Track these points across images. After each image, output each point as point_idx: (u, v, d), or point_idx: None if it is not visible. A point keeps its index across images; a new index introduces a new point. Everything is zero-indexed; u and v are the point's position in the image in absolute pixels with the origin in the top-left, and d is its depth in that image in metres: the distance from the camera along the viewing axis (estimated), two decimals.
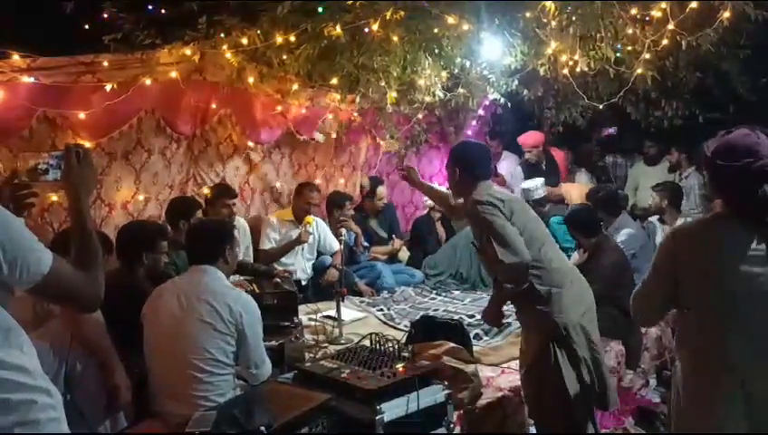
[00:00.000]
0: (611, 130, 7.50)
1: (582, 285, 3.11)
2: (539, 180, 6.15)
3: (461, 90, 5.30)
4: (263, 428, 2.32)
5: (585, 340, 2.94)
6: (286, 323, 3.86)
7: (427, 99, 5.15)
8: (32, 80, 3.81)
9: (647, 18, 4.38)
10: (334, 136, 5.95)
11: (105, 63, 4.08)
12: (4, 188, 1.87)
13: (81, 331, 2.71)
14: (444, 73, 4.98)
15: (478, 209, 2.88)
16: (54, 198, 4.15)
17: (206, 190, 5.11)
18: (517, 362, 3.87)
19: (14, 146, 3.94)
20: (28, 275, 1.54)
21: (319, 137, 5.58)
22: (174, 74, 4.42)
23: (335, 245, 5.43)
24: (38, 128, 4.03)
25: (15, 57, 3.72)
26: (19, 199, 1.86)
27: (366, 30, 4.16)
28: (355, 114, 5.81)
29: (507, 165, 7.22)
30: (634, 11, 4.32)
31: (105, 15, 4.17)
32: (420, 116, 5.85)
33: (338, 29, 4.06)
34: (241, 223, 5.11)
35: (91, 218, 1.85)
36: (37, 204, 4.01)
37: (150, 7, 4.33)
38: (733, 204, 2.09)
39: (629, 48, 4.62)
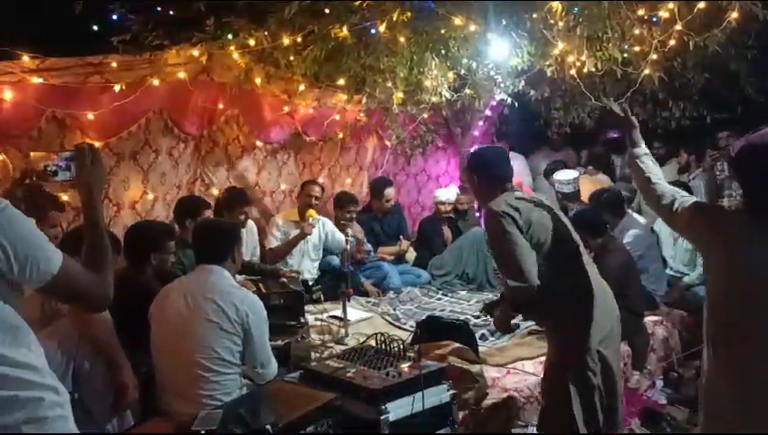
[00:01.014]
0: (618, 133, 7.47)
1: (606, 307, 2.87)
2: (573, 173, 6.06)
3: (468, 90, 5.30)
4: (268, 427, 2.33)
5: (601, 367, 2.75)
6: (292, 323, 3.88)
7: (434, 99, 5.15)
8: (41, 80, 3.85)
9: (654, 19, 4.37)
10: (340, 136, 5.96)
11: (114, 64, 4.12)
12: (16, 189, 1.90)
13: (90, 330, 2.73)
14: (450, 74, 4.98)
15: (492, 220, 2.69)
16: (64, 197, 4.18)
17: (215, 192, 5.13)
18: (522, 362, 3.88)
19: (23, 146, 3.97)
20: (38, 275, 1.55)
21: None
22: (182, 75, 4.45)
23: (343, 242, 5.45)
24: (47, 128, 4.07)
25: (25, 58, 3.75)
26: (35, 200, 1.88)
27: (373, 31, 4.17)
28: (361, 114, 5.83)
29: (515, 166, 7.20)
30: (641, 11, 4.31)
31: (114, 17, 4.19)
32: (426, 116, 5.86)
33: (345, 30, 4.08)
34: (249, 224, 5.13)
35: (103, 218, 1.88)
36: None
37: (159, 8, 4.35)
38: (752, 201, 2.13)
39: (637, 49, 4.61)
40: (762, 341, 2.04)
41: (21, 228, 1.54)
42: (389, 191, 6.01)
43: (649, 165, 2.56)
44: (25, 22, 4.18)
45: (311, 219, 5.13)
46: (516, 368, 3.81)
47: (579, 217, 4.63)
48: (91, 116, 4.15)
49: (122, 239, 3.60)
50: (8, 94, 3.75)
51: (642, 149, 2.62)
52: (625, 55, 4.67)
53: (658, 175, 2.53)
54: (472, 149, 4.03)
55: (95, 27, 4.32)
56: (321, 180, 6.09)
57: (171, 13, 4.46)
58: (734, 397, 2.10)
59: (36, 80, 3.83)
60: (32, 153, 3.94)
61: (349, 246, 5.05)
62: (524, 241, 2.61)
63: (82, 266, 1.69)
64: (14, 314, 1.54)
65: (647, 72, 4.57)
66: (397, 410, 2.65)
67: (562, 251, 2.74)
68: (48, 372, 1.59)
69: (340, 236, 5.47)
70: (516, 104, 5.94)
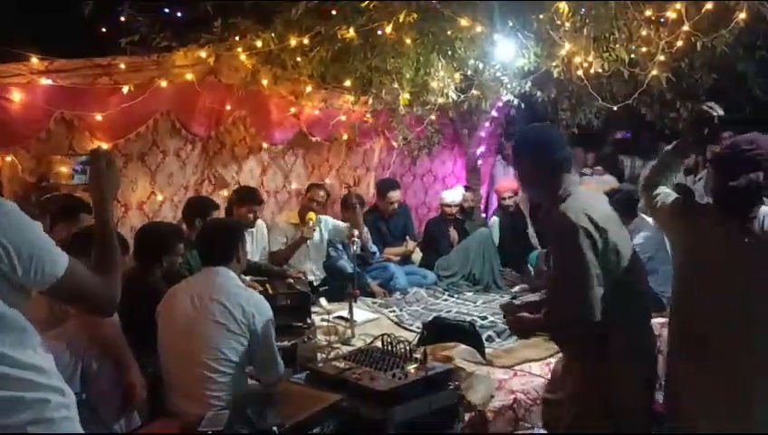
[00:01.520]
0: (626, 134, 7.47)
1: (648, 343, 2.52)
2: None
3: (474, 91, 5.29)
4: (275, 428, 2.34)
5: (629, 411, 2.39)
6: (299, 324, 3.89)
7: (440, 100, 5.15)
8: (49, 82, 3.87)
9: (661, 19, 4.36)
10: (345, 137, 5.97)
11: (122, 66, 4.14)
12: (32, 193, 1.91)
13: (98, 330, 2.74)
14: (457, 75, 4.98)
15: (566, 232, 2.21)
16: None
17: (225, 193, 5.15)
18: (530, 364, 3.87)
19: (31, 147, 4.00)
20: (43, 277, 1.55)
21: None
22: (189, 76, 4.47)
23: (344, 230, 5.49)
24: (56, 129, 4.09)
25: (34, 59, 3.78)
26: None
27: (379, 32, 4.17)
28: (368, 116, 5.84)
29: None
30: (648, 12, 4.30)
31: (122, 18, 4.22)
32: (433, 117, 5.86)
33: (351, 31, 4.08)
34: (259, 224, 5.15)
35: (113, 222, 1.87)
36: None
37: (166, 10, 4.37)
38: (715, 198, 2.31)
39: (644, 49, 4.59)
40: (720, 340, 2.10)
41: (26, 231, 1.54)
42: (393, 194, 5.99)
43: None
44: (34, 24, 4.21)
45: (311, 223, 5.13)
46: (523, 370, 3.80)
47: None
48: (99, 117, 4.17)
49: (130, 240, 3.63)
50: (17, 96, 3.78)
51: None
52: (632, 56, 4.65)
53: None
54: (520, 130, 3.29)
55: (104, 29, 4.34)
56: (328, 181, 6.10)
57: (179, 14, 4.48)
58: (694, 396, 2.19)
59: (45, 81, 3.86)
60: (52, 157, 3.96)
61: (355, 247, 5.06)
62: (598, 269, 2.18)
63: (90, 270, 1.69)
64: (19, 315, 1.55)
65: (654, 72, 4.55)
66: (403, 411, 2.65)
67: (627, 282, 2.29)
68: (55, 374, 1.60)
69: (340, 224, 5.52)
70: (523, 105, 5.93)
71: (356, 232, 5.11)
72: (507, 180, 6.85)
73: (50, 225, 3.41)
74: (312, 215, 5.17)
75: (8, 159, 3.87)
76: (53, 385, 1.58)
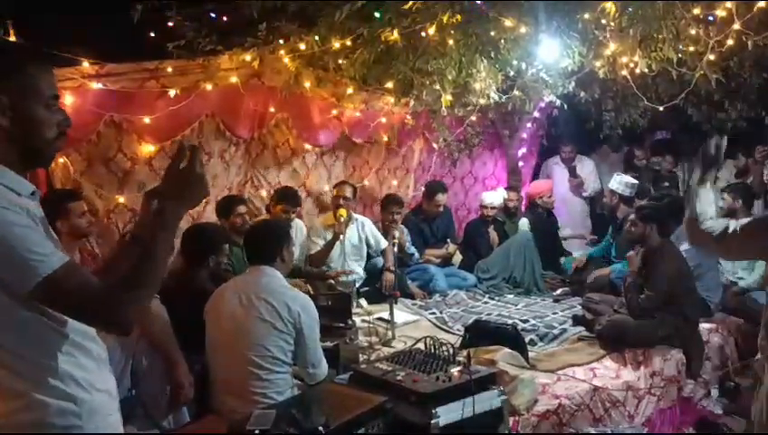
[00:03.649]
0: (664, 134, 7.29)
1: None
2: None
3: (516, 92, 5.25)
4: (321, 428, 2.36)
5: None
6: (340, 325, 3.91)
7: (482, 101, 5.12)
8: (100, 86, 3.97)
9: (710, 18, 4.25)
10: (385, 139, 5.98)
11: (169, 69, 4.22)
12: None
13: (149, 328, 2.81)
14: (499, 76, 4.94)
15: None
16: (121, 199, 4.31)
17: (263, 193, 5.21)
18: (573, 369, 3.82)
19: (82, 150, 4.11)
20: (24, 278, 1.40)
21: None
22: (234, 79, 4.53)
23: (383, 242, 5.47)
24: (105, 132, 4.19)
25: (85, 64, 3.88)
26: None
27: (422, 34, 4.16)
28: (408, 117, 5.83)
29: (585, 170, 7.17)
30: (697, 11, 4.20)
31: (170, 23, 4.29)
32: (474, 118, 5.82)
33: (395, 34, 4.08)
34: (299, 225, 5.19)
35: (168, 240, 1.57)
36: (102, 206, 4.21)
37: (212, 15, 4.43)
38: None
39: (692, 48, 4.48)
40: None
41: (8, 233, 1.40)
42: (441, 197, 5.99)
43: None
44: (86, 29, 4.31)
45: (341, 218, 5.14)
46: (567, 374, 3.76)
47: (656, 205, 4.49)
48: (147, 120, 4.26)
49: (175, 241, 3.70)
50: (69, 99, 3.88)
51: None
52: (679, 55, 4.55)
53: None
54: None
55: (152, 34, 4.43)
56: (366, 182, 6.12)
57: (224, 19, 4.54)
58: None
59: (96, 85, 3.95)
60: None
61: (393, 247, 5.07)
62: None
63: (99, 280, 1.49)
64: (38, 318, 1.47)
65: (702, 72, 4.44)
66: (447, 414, 2.65)
67: None
68: (79, 381, 1.51)
69: (379, 237, 5.50)
70: (565, 106, 5.86)
71: (396, 233, 5.12)
72: (541, 182, 6.84)
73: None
74: (342, 211, 5.16)
75: (61, 161, 3.98)
76: (65, 390, 1.49)
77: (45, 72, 1.54)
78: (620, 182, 5.77)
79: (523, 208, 6.86)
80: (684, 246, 4.68)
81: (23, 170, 1.53)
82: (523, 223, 6.41)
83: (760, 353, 2.23)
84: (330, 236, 5.25)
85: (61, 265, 1.42)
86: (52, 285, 1.40)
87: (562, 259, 6.38)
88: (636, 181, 5.86)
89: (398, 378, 2.83)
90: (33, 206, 1.51)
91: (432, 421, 2.60)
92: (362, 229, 5.50)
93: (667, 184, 6.51)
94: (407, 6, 4.03)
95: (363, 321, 4.50)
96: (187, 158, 1.57)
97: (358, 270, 5.46)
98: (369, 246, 5.55)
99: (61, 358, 1.49)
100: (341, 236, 5.17)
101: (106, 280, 1.51)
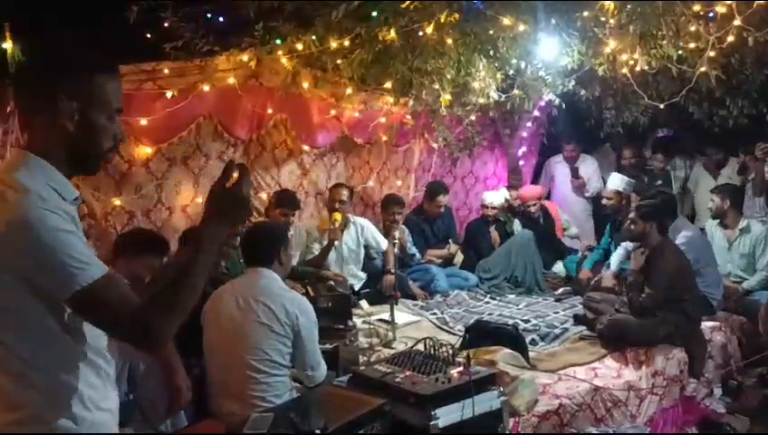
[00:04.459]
0: (666, 132, 7.25)
1: None
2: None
3: (516, 91, 5.22)
4: (318, 431, 2.34)
5: None
6: (340, 326, 3.89)
7: (481, 100, 5.10)
8: None
9: (711, 15, 4.22)
10: (384, 139, 5.96)
11: (166, 71, 4.20)
12: None
13: None
14: (498, 75, 4.92)
15: None
16: (118, 202, 4.29)
17: (263, 196, 5.19)
18: (574, 369, 3.80)
19: None
20: (63, 285, 1.39)
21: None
22: (231, 80, 4.51)
23: (383, 244, 5.44)
24: None
25: None
26: None
27: (420, 33, 4.14)
28: (408, 117, 5.81)
29: (587, 169, 7.13)
30: (697, 7, 4.17)
31: (166, 24, 4.27)
32: (473, 118, 5.80)
33: (392, 33, 4.06)
34: (298, 228, 5.16)
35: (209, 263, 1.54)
36: (100, 208, 4.19)
37: (209, 16, 4.41)
38: None
39: (692, 45, 4.45)
40: None
41: (52, 238, 1.38)
42: (441, 198, 5.97)
43: None
44: (81, 31, 4.29)
45: (336, 223, 5.10)
46: (568, 374, 3.73)
47: (654, 203, 4.46)
48: (144, 122, 4.24)
49: (173, 243, 3.68)
50: None
51: None
52: (680, 52, 4.52)
53: None
54: None
55: (148, 35, 4.40)
56: (370, 184, 6.10)
57: (221, 19, 4.52)
58: None
59: None
60: None
61: (394, 248, 5.04)
62: None
63: (138, 299, 1.45)
64: (47, 323, 1.44)
65: (702, 69, 4.41)
66: (446, 416, 2.63)
67: None
68: (72, 396, 1.47)
69: (380, 239, 5.46)
70: (563, 105, 5.83)
71: (396, 233, 5.09)
72: (531, 188, 6.81)
73: None
74: (336, 215, 5.08)
75: None
76: (70, 407, 1.46)
77: (115, 84, 1.58)
78: (623, 181, 5.74)
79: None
80: (680, 239, 4.67)
81: (69, 175, 1.53)
82: (517, 223, 6.41)
83: None
84: (325, 238, 5.21)
85: (102, 276, 1.41)
86: (90, 295, 1.39)
87: (559, 265, 6.32)
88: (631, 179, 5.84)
89: (398, 380, 2.81)
90: (74, 211, 1.50)
91: (431, 423, 2.58)
92: (361, 233, 5.45)
93: (659, 182, 6.48)
94: (404, 6, 4.01)
95: (364, 322, 4.48)
96: (235, 178, 1.55)
97: (357, 273, 5.44)
98: (369, 248, 5.52)
99: (74, 374, 1.47)
100: (336, 242, 5.14)
101: (143, 297, 1.47)
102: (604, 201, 5.81)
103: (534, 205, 6.37)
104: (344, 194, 5.29)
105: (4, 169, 1.49)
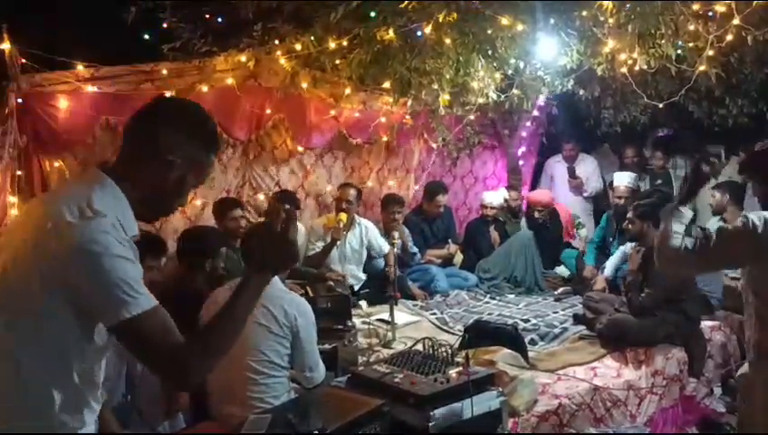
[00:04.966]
0: (666, 131, 7.24)
1: None
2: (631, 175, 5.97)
3: (515, 91, 5.22)
4: (316, 432, 2.33)
5: None
6: (339, 327, 3.88)
7: (480, 100, 5.09)
8: (95, 89, 3.95)
9: (710, 14, 4.22)
10: (385, 139, 5.95)
11: (164, 72, 4.21)
12: None
13: None
14: (497, 75, 4.91)
15: None
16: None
17: (262, 196, 5.18)
18: (574, 369, 3.79)
19: (78, 153, 4.09)
20: (108, 313, 1.42)
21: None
22: (230, 81, 4.51)
23: (385, 247, 5.44)
24: (101, 135, 4.17)
25: (80, 67, 3.86)
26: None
27: (419, 33, 4.14)
28: (407, 117, 5.81)
29: (586, 168, 7.13)
30: (696, 6, 4.16)
31: (164, 25, 4.28)
32: (473, 118, 5.79)
33: (391, 33, 4.06)
34: (298, 228, 5.15)
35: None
36: None
37: (207, 16, 4.41)
38: None
39: (691, 45, 4.45)
40: None
41: (108, 262, 1.40)
42: (441, 198, 5.96)
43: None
44: (80, 32, 4.30)
45: (340, 224, 5.09)
46: (567, 374, 3.72)
47: (652, 202, 4.45)
48: None
49: (172, 244, 3.67)
50: (64, 103, 3.86)
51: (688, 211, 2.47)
52: (679, 52, 4.52)
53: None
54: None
55: (146, 36, 4.41)
56: (370, 184, 6.09)
57: (219, 20, 4.52)
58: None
59: (91, 88, 3.94)
60: None
61: (396, 249, 5.03)
62: None
63: (181, 336, 1.47)
64: (65, 340, 1.44)
65: (702, 68, 4.41)
66: (445, 416, 2.61)
67: None
68: (72, 410, 1.47)
69: (382, 242, 5.46)
70: (563, 104, 5.83)
71: (395, 233, 5.09)
72: (541, 193, 6.61)
73: None
74: (342, 216, 5.10)
75: (56, 165, 3.96)
76: (26, 412, 1.44)
77: (214, 157, 1.68)
78: (630, 176, 5.73)
79: (524, 208, 6.82)
80: None
81: (138, 215, 1.58)
82: (523, 224, 6.38)
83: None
84: (326, 236, 5.22)
85: (151, 308, 1.43)
86: (137, 325, 1.41)
87: (561, 266, 6.30)
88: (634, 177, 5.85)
89: (396, 380, 2.80)
90: (132, 244, 1.53)
91: (430, 424, 2.57)
92: (365, 234, 5.46)
93: (659, 181, 6.47)
94: (402, 6, 4.01)
95: (363, 323, 4.48)
96: (282, 224, 1.56)
97: (357, 274, 5.44)
98: (371, 249, 5.52)
99: (61, 395, 1.46)
100: (338, 242, 5.14)
101: (186, 335, 1.49)
102: (616, 201, 5.78)
103: (541, 211, 6.15)
104: (352, 194, 5.31)
105: (81, 184, 1.54)
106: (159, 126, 1.57)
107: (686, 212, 2.45)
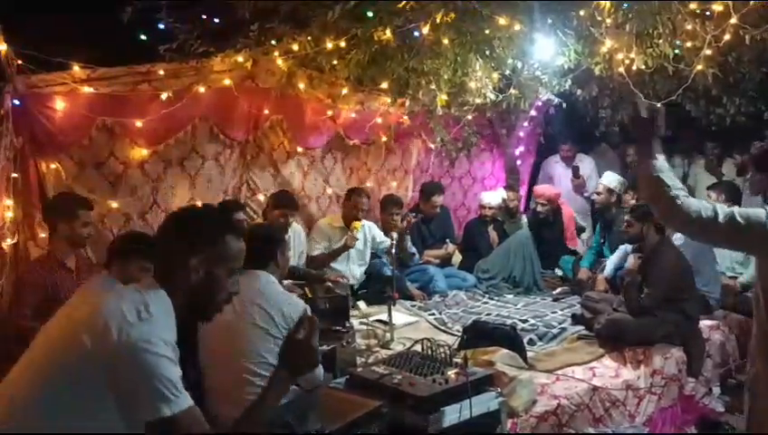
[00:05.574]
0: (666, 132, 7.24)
1: None
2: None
3: (513, 91, 5.21)
4: (314, 433, 2.32)
5: None
6: (337, 328, 3.87)
7: (478, 100, 5.09)
8: (91, 90, 3.93)
9: (707, 13, 4.21)
10: (383, 140, 5.94)
11: (161, 72, 4.19)
12: None
13: None
14: (495, 75, 4.91)
15: None
16: (114, 204, 4.27)
17: (261, 197, 5.17)
18: (572, 369, 3.79)
19: (74, 154, 4.08)
20: (145, 410, 1.54)
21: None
22: (227, 81, 4.49)
23: (387, 241, 5.44)
24: (97, 136, 4.16)
25: (76, 68, 3.84)
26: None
27: (416, 33, 4.13)
28: (405, 117, 5.80)
29: (585, 168, 7.12)
30: (693, 5, 4.16)
31: (161, 26, 4.26)
32: (470, 118, 5.79)
33: (388, 33, 4.05)
34: (297, 228, 5.15)
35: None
36: (96, 211, 4.18)
37: (204, 17, 4.39)
38: None
39: (689, 44, 4.44)
40: None
41: (152, 361, 1.53)
42: (437, 198, 5.97)
43: (676, 181, 2.22)
44: (76, 33, 4.28)
45: (355, 232, 5.11)
46: (566, 374, 3.72)
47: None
48: (139, 123, 4.23)
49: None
50: (60, 104, 3.85)
51: (663, 162, 2.24)
52: (676, 51, 4.51)
53: (684, 191, 2.22)
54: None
55: (143, 36, 4.39)
56: (369, 184, 6.09)
57: (216, 20, 4.50)
58: None
59: (87, 89, 3.92)
60: None
61: (393, 249, 5.03)
62: None
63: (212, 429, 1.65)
64: (104, 408, 1.55)
65: (699, 67, 4.40)
66: (443, 417, 2.61)
67: None
68: None
69: (382, 236, 5.47)
70: (564, 104, 5.82)
71: (394, 234, 5.09)
72: (547, 187, 6.67)
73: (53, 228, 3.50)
74: (357, 224, 5.16)
75: (53, 166, 3.95)
76: None
77: (240, 245, 1.81)
78: (616, 179, 5.75)
79: (522, 208, 6.82)
80: (678, 238, 4.65)
81: (187, 318, 1.74)
82: (524, 222, 6.38)
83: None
84: (333, 236, 5.25)
85: (189, 407, 1.57)
86: (173, 424, 1.54)
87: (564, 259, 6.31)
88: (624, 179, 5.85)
89: (395, 381, 2.80)
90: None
91: (429, 425, 2.56)
92: (368, 233, 5.50)
93: None
94: (400, 6, 3.99)
95: (361, 323, 4.47)
96: (307, 330, 1.83)
97: (357, 274, 5.43)
98: (375, 247, 5.54)
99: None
100: (350, 248, 5.17)
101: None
102: (593, 196, 5.83)
103: (545, 205, 6.21)
104: (365, 202, 5.36)
105: (141, 287, 1.69)
106: (173, 250, 1.73)
107: (661, 163, 2.24)
